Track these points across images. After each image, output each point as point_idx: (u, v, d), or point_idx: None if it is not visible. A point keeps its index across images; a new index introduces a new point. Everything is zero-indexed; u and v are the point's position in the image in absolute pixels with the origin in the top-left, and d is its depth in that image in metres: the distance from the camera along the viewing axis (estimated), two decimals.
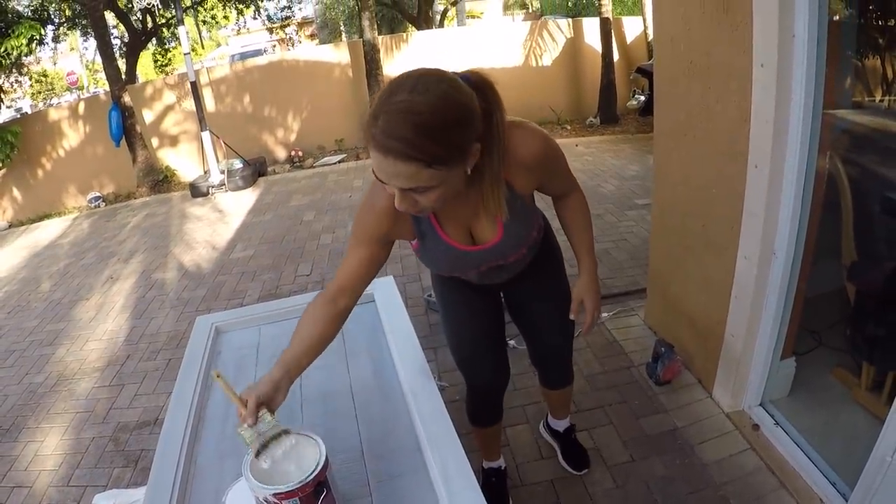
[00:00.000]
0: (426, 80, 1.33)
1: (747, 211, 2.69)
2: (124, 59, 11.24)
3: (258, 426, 1.46)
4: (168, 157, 10.24)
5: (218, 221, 7.57)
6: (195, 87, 8.69)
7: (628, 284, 4.48)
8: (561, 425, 2.83)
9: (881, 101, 3.13)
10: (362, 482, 1.71)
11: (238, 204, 8.17)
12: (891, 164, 3.08)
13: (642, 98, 9.71)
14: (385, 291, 2.59)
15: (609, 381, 3.48)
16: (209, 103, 9.70)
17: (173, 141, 10.21)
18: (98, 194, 9.88)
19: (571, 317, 2.06)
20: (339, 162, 9.79)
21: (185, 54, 8.61)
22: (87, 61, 23.70)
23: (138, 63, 12.46)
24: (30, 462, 3.41)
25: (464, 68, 1.51)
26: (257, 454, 1.46)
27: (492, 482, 2.69)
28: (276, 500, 1.37)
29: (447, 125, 1.32)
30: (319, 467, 1.42)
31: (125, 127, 9.34)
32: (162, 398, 3.87)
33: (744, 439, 2.97)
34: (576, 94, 11.46)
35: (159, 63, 17.86)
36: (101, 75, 18.46)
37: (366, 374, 2.19)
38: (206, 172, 9.22)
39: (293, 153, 10.20)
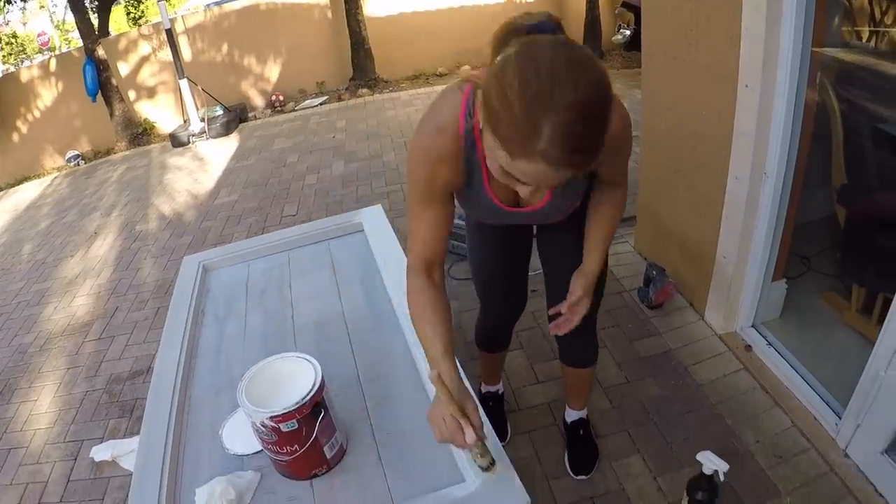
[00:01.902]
0: (577, 68, 1.06)
1: (738, 131, 2.67)
2: (96, 14, 10.96)
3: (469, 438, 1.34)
4: (146, 110, 10.06)
5: (200, 169, 7.49)
6: (170, 34, 8.50)
7: None
8: (571, 415, 2.59)
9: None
10: (360, 406, 1.71)
11: (220, 151, 8.08)
12: (880, 90, 3.11)
13: (627, 33, 9.58)
14: (374, 220, 2.58)
15: (602, 307, 3.43)
16: (185, 52, 9.51)
17: (150, 93, 10.03)
18: (76, 153, 9.70)
19: (563, 310, 1.80)
20: (321, 104, 9.66)
21: (158, 1, 8.41)
22: (58, 21, 23.23)
23: (110, 18, 12.17)
24: (24, 422, 3.40)
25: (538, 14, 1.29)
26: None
27: (489, 406, 2.71)
28: (273, 424, 1.36)
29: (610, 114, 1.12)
30: (316, 388, 1.41)
31: (100, 81, 9.15)
32: (153, 346, 3.85)
33: (737, 360, 3.00)
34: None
35: (132, 15, 17.54)
36: (74, 34, 18.11)
37: (358, 301, 2.18)
38: (185, 122, 9.08)
39: (274, 98, 10.06)
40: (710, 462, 2.03)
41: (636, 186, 3.85)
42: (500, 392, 2.74)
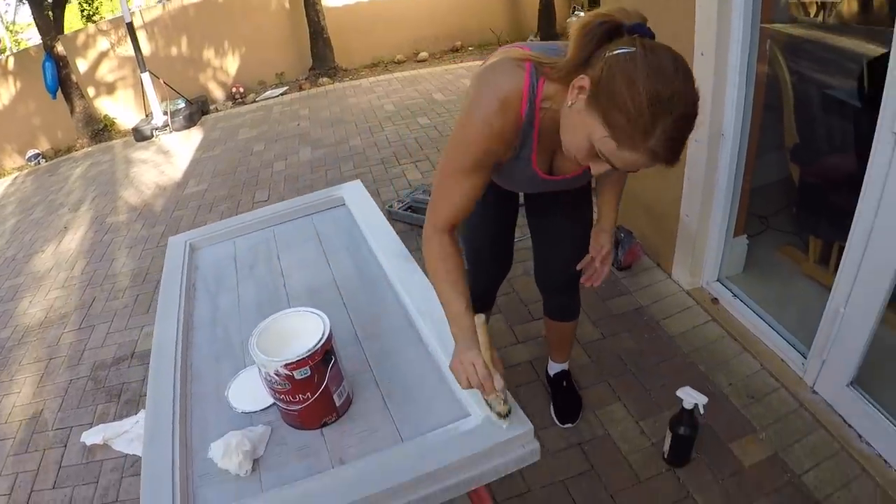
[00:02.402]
0: (690, 83, 1.26)
1: None
2: (50, 12, 10.81)
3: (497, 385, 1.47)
4: (106, 106, 9.95)
5: (166, 161, 7.46)
6: (131, 27, 8.41)
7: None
8: (554, 368, 2.77)
9: None
10: (361, 360, 1.81)
11: (184, 143, 8.05)
12: (825, 59, 3.32)
13: (582, 14, 9.68)
14: (355, 193, 2.66)
15: None
16: (145, 46, 9.39)
17: (110, 88, 9.93)
18: (36, 151, 9.54)
19: (578, 267, 2.04)
20: (282, 94, 9.66)
21: None
22: (8, 22, 22.76)
23: (64, 17, 12.01)
24: (9, 414, 3.40)
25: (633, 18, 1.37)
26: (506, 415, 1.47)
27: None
28: (287, 372, 1.45)
29: None
30: (326, 335, 1.50)
31: (60, 78, 9.03)
32: (135, 332, 3.90)
33: (705, 312, 3.16)
34: (515, 14, 11.38)
35: (86, 12, 17.31)
36: (24, 35, 17.78)
37: (347, 268, 2.26)
38: (148, 115, 9.02)
39: (234, 90, 10.04)
40: (690, 396, 2.17)
41: None
42: None
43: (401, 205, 4.58)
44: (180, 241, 2.62)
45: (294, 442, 1.58)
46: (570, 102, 1.36)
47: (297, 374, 1.45)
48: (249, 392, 1.73)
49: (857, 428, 2.39)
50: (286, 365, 1.44)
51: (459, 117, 1.59)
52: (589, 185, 2.05)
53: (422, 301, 1.90)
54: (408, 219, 4.37)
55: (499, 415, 1.46)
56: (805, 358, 2.63)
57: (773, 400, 2.61)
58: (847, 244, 2.24)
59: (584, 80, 1.31)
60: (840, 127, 3.18)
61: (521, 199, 2.23)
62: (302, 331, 1.55)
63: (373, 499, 1.35)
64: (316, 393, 1.50)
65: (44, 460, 2.99)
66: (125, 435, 2.97)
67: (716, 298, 3.20)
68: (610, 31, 1.33)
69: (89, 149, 9.20)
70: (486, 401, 1.49)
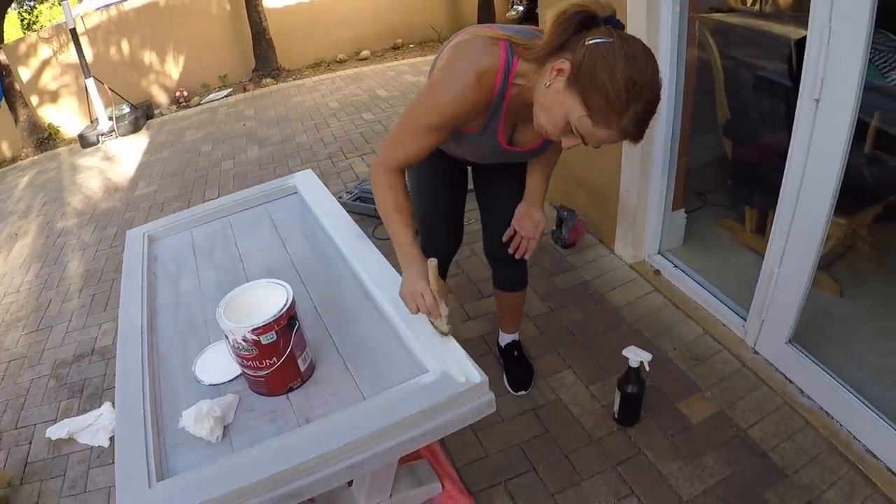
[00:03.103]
0: (657, 72, 1.45)
1: None
2: None
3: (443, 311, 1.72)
4: (50, 114, 9.76)
5: (114, 166, 7.39)
6: (74, 33, 8.30)
7: None
8: (504, 339, 2.87)
9: None
10: (322, 331, 1.90)
11: (131, 147, 7.97)
12: (749, 41, 3.55)
13: (521, 8, 9.88)
14: (306, 182, 2.74)
15: None
16: (87, 52, 9.21)
17: (54, 96, 9.75)
18: None
19: (504, 239, 2.19)
20: (227, 96, 9.62)
21: (61, 1, 8.23)
22: None
23: (4, 25, 11.79)
24: None
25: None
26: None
27: None
28: (254, 337, 1.54)
29: None
30: (290, 301, 1.60)
31: (3, 87, 8.85)
32: (94, 330, 3.91)
33: (648, 283, 3.30)
34: (455, 10, 11.46)
35: (26, 21, 17.00)
36: None
37: (304, 250, 2.34)
38: (93, 122, 8.90)
39: (178, 94, 9.96)
40: (635, 355, 2.29)
41: None
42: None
43: (349, 196, 4.65)
44: (138, 233, 2.67)
45: (262, 408, 1.66)
46: (547, 83, 1.51)
47: (264, 339, 1.54)
48: (216, 366, 1.82)
49: (799, 383, 2.53)
50: (253, 330, 1.53)
51: (431, 80, 1.75)
52: None
53: (378, 274, 2.00)
54: (357, 209, 4.42)
55: (442, 333, 1.71)
56: (745, 320, 2.77)
57: (716, 361, 2.75)
58: (777, 206, 2.37)
59: (563, 64, 1.47)
60: (768, 103, 3.34)
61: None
62: (266, 301, 1.63)
63: (338, 452, 1.44)
64: (282, 357, 1.59)
65: (10, 458, 3.00)
66: (89, 428, 3.00)
67: (658, 270, 3.34)
68: (584, 21, 1.48)
69: (35, 157, 9.04)
70: (432, 323, 1.73)
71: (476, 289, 3.51)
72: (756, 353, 2.72)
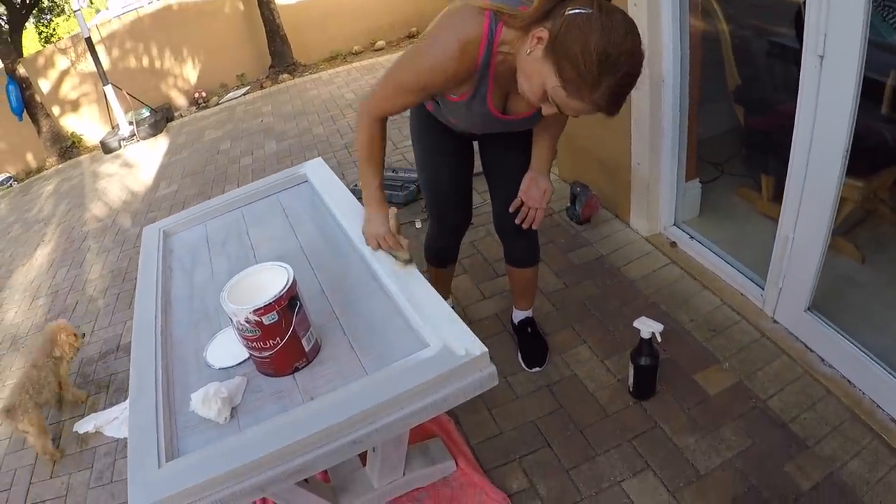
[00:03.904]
0: (638, 47, 1.46)
1: None
2: (9, 37, 10.73)
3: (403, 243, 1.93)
4: (72, 124, 9.89)
5: (136, 169, 7.48)
6: (90, 42, 8.41)
7: None
8: (518, 316, 2.85)
9: None
10: (328, 312, 1.92)
11: (152, 150, 8.07)
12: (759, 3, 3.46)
13: None
14: (317, 170, 2.75)
15: None
16: (104, 60, 9.31)
17: (74, 105, 9.88)
18: (7, 175, 9.41)
19: (511, 209, 2.21)
20: (245, 94, 9.69)
21: (75, 11, 8.32)
22: None
23: (23, 40, 11.94)
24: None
25: None
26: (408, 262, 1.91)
27: None
28: (256, 318, 1.56)
29: None
30: (290, 282, 1.62)
31: (24, 99, 8.99)
32: (119, 327, 3.97)
33: (664, 256, 3.26)
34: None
35: (43, 35, 17.20)
36: None
37: (314, 237, 2.36)
38: (114, 128, 9.02)
39: (197, 95, 10.04)
40: (646, 326, 2.26)
41: None
42: (451, 306, 2.95)
43: (357, 185, 4.60)
44: (154, 229, 2.71)
45: (269, 388, 1.69)
46: (528, 50, 1.53)
47: (266, 320, 1.56)
48: (225, 351, 1.85)
49: (819, 352, 2.47)
50: (255, 311, 1.55)
51: (417, 44, 1.77)
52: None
53: (385, 256, 2.00)
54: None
55: (404, 262, 1.91)
56: (763, 289, 2.70)
57: (734, 332, 2.69)
58: (788, 170, 2.33)
59: (543, 32, 1.48)
60: (778, 66, 3.30)
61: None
62: (269, 283, 1.65)
63: (339, 427, 1.46)
64: (285, 337, 1.61)
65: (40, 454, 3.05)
66: (115, 421, 3.05)
67: (674, 242, 3.30)
68: None
69: (59, 166, 9.17)
70: (393, 255, 1.93)
71: (491, 268, 3.49)
72: (775, 322, 2.67)
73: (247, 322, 1.56)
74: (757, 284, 2.79)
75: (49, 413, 3.33)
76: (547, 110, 1.61)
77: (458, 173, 2.41)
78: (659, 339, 2.28)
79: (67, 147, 9.54)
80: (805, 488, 2.04)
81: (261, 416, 1.59)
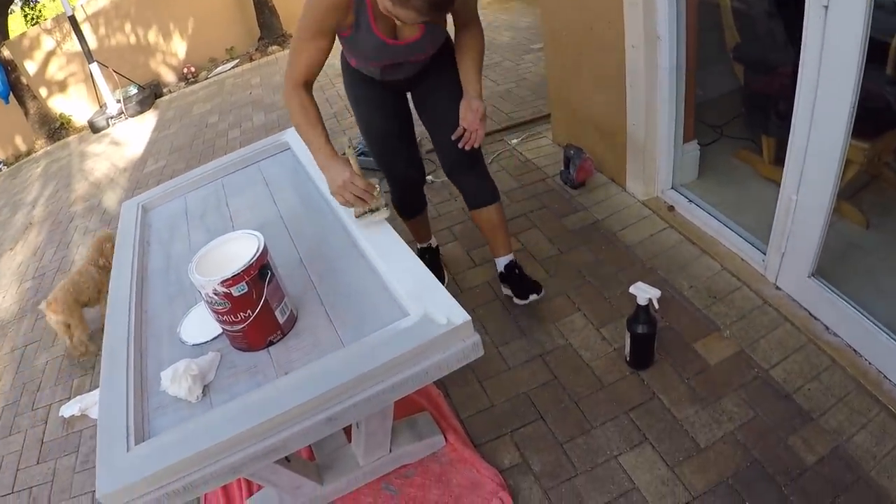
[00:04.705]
0: None
1: (627, 3, 2.81)
2: None
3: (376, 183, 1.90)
4: (60, 105, 9.74)
5: (123, 147, 7.36)
6: (74, 20, 8.26)
7: (534, 113, 4.61)
8: (501, 262, 2.77)
9: None
10: (305, 281, 1.83)
11: (140, 127, 7.94)
12: None
13: None
14: (299, 138, 2.65)
15: (527, 193, 3.64)
16: (90, 39, 9.12)
17: (62, 86, 9.69)
18: None
19: (453, 138, 2.22)
20: (234, 67, 9.56)
21: None
22: None
23: (9, 23, 11.75)
24: None
25: None
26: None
27: (426, 258, 2.97)
28: (225, 290, 1.46)
29: None
30: (260, 251, 1.52)
31: (10, 82, 8.83)
32: (104, 308, 3.87)
33: (662, 220, 3.16)
34: None
35: (30, 17, 17.00)
36: None
37: (294, 204, 2.28)
38: (102, 107, 8.89)
39: (185, 70, 9.88)
40: (643, 292, 2.16)
41: (545, 83, 4.05)
42: (433, 245, 3.06)
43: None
44: (132, 204, 2.66)
45: (243, 364, 1.60)
46: None
47: (235, 291, 1.47)
48: (199, 326, 1.76)
49: (823, 320, 2.38)
50: (223, 282, 1.45)
51: None
52: (447, 58, 2.29)
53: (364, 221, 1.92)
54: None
55: (379, 208, 1.88)
56: (764, 254, 2.62)
57: (735, 298, 2.61)
58: (791, 128, 2.22)
59: None
60: (779, 21, 3.16)
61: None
62: (240, 253, 1.56)
63: (313, 404, 1.38)
64: (256, 309, 1.51)
65: (27, 439, 3.00)
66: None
67: (671, 206, 3.20)
68: None
69: (48, 148, 9.03)
70: (368, 209, 1.87)
71: (481, 236, 3.36)
72: (778, 288, 2.58)
73: (215, 294, 1.47)
74: (758, 249, 2.70)
75: (35, 396, 3.30)
76: (400, 25, 1.92)
77: (393, 123, 2.46)
78: (657, 306, 2.18)
79: (56, 128, 9.40)
80: (810, 462, 1.96)
81: (234, 392, 1.51)
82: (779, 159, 2.85)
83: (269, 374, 1.54)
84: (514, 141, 4.24)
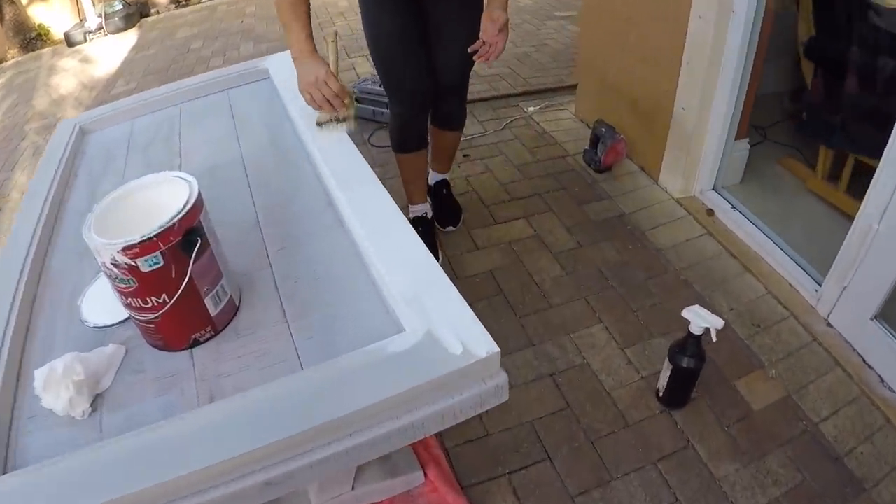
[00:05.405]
0: None
1: None
2: None
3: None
4: (40, 14, 9.16)
5: (96, 65, 6.87)
6: None
7: (554, 82, 4.20)
8: (434, 177, 2.86)
9: None
10: (258, 252, 1.33)
11: (118, 46, 7.41)
12: None
13: None
14: (283, 65, 2.15)
15: (543, 170, 3.24)
16: None
17: None
18: None
19: (469, 50, 2.11)
20: None
21: None
22: None
23: None
24: None
25: None
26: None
27: (420, 230, 2.52)
28: (129, 261, 0.96)
29: None
30: (188, 207, 1.00)
31: None
32: None
33: (699, 224, 2.77)
34: None
35: None
36: None
37: (261, 145, 1.82)
38: (82, 20, 8.35)
39: None
40: (700, 318, 1.73)
41: (569, 61, 3.95)
42: (427, 215, 2.76)
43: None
44: (69, 123, 2.16)
45: (154, 368, 1.10)
46: None
47: (144, 265, 0.96)
48: (107, 301, 1.22)
49: (879, 370, 2.06)
50: (125, 250, 0.94)
51: None
52: None
53: (347, 173, 1.44)
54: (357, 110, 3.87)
55: (346, 119, 1.68)
56: (819, 285, 2.27)
57: (782, 330, 2.23)
58: (888, 144, 1.88)
59: None
60: (867, 13, 2.65)
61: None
62: (169, 202, 1.04)
63: (246, 459, 0.88)
64: (175, 294, 1.00)
65: None
66: None
67: (711, 209, 2.81)
68: None
69: (20, 58, 8.49)
70: (335, 117, 1.67)
71: (487, 212, 2.96)
72: (829, 325, 2.22)
73: (115, 266, 0.96)
74: (810, 276, 2.34)
75: None
76: None
77: (404, 23, 2.23)
78: (713, 339, 1.75)
79: (32, 38, 8.81)
80: None
81: (136, 414, 1.02)
82: (834, 175, 2.69)
83: (187, 390, 1.04)
84: (531, 109, 3.82)
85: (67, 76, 6.64)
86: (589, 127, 3.35)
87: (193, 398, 1.01)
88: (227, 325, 1.13)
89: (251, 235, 1.36)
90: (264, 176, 1.61)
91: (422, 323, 1.02)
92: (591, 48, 3.42)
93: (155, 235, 0.94)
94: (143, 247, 0.94)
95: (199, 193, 1.04)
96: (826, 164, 2.79)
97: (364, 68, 5.01)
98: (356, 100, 3.97)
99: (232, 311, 1.14)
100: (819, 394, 2.01)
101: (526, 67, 4.53)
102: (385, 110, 3.52)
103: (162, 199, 1.06)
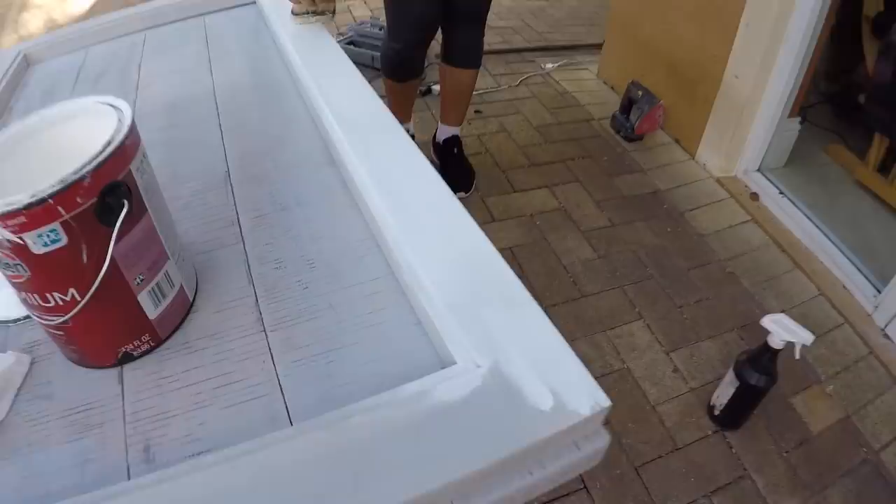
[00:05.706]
0: None
1: None
2: None
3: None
4: None
5: None
6: None
7: (571, 39, 4.01)
8: (444, 132, 2.57)
9: None
10: (226, 222, 0.96)
11: None
12: None
13: None
14: None
15: (566, 133, 3.01)
16: None
17: None
18: None
19: None
20: None
21: None
22: None
23: None
24: None
25: None
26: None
27: None
28: (14, 238, 0.59)
29: None
30: (109, 150, 0.62)
31: None
32: None
33: (742, 209, 2.56)
34: None
35: None
36: None
37: (239, 77, 1.46)
38: None
39: None
40: (786, 330, 1.48)
41: (588, 18, 3.93)
42: (410, 132, 2.65)
43: (342, 38, 3.79)
44: (12, 51, 1.80)
45: (66, 393, 0.74)
46: None
47: (37, 244, 0.60)
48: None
49: None
50: (5, 218, 0.57)
51: None
52: None
53: (348, 110, 1.08)
54: (348, 53, 3.52)
55: (325, 13, 1.50)
56: (879, 291, 2.09)
57: (837, 339, 2.04)
58: None
59: None
60: None
61: None
62: (84, 151, 0.65)
63: None
64: (90, 287, 0.63)
65: None
66: None
67: (755, 193, 2.57)
68: None
69: None
70: (313, 10, 1.49)
71: (504, 178, 2.70)
72: (886, 336, 2.04)
73: None
74: (869, 280, 2.15)
75: None
76: None
77: None
78: (797, 356, 1.50)
79: None
80: None
81: (34, 468, 0.66)
82: (885, 167, 2.53)
83: (112, 436, 0.68)
84: (549, 65, 3.61)
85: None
86: (614, 90, 3.13)
87: (120, 450, 0.65)
88: (175, 331, 0.76)
89: (217, 197, 0.99)
90: (241, 117, 1.25)
91: (483, 352, 0.66)
92: (623, 5, 3.16)
93: (51, 196, 0.57)
94: (33, 214, 0.57)
95: (134, 128, 0.66)
96: (879, 154, 2.55)
97: (361, 11, 4.76)
98: (352, 43, 3.73)
99: (182, 310, 0.77)
100: (878, 415, 1.83)
101: (541, 22, 4.33)
102: (377, 52, 3.23)
103: (82, 140, 0.68)
